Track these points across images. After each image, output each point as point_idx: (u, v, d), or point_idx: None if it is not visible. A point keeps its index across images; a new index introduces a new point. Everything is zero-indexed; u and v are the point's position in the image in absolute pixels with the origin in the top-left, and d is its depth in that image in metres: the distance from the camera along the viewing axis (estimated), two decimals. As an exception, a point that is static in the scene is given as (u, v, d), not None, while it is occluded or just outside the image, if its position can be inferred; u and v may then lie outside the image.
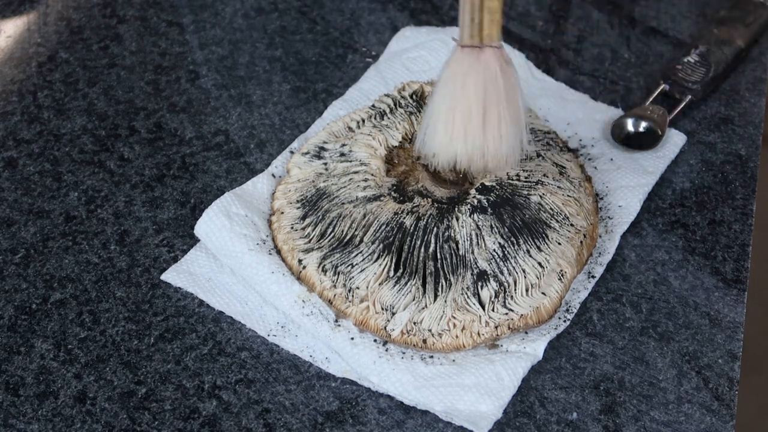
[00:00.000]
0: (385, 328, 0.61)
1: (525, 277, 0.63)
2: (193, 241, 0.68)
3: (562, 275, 0.64)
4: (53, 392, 0.59)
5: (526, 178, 0.67)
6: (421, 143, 0.61)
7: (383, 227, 0.64)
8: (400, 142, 0.70)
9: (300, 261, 0.64)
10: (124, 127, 0.77)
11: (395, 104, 0.73)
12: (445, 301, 0.61)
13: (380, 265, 0.62)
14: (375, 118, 0.72)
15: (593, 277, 0.66)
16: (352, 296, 0.62)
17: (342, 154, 0.70)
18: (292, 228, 0.66)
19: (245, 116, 0.78)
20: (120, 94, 0.79)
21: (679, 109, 0.78)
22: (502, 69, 0.57)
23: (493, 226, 0.63)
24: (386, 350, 0.61)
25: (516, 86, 0.58)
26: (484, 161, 0.59)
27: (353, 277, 0.62)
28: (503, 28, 0.87)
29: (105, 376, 0.60)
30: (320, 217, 0.66)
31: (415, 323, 0.61)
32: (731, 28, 0.83)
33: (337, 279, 0.63)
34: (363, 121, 0.73)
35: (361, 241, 0.64)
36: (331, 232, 0.65)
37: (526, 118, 0.60)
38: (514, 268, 0.63)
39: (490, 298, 0.62)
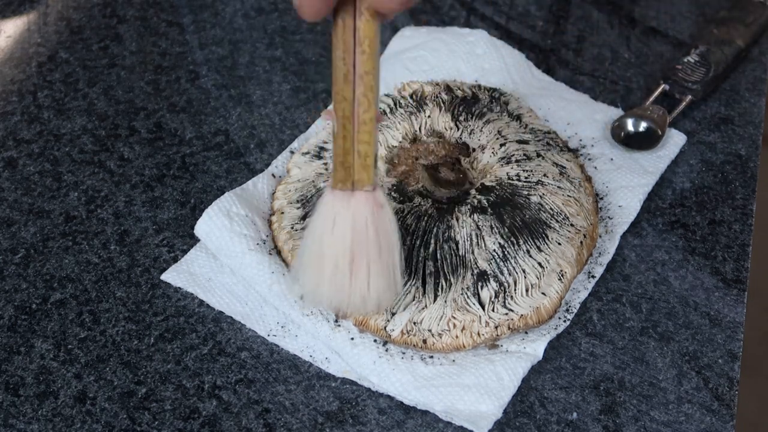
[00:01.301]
0: (385, 328, 0.61)
1: (525, 277, 0.63)
2: (193, 241, 0.68)
3: (562, 275, 0.64)
4: (53, 392, 0.59)
5: (526, 178, 0.67)
6: (293, 280, 0.59)
7: (383, 227, 0.64)
8: (400, 142, 0.70)
9: (300, 261, 0.64)
10: (124, 127, 0.77)
11: (395, 104, 0.73)
12: (445, 302, 0.61)
13: (380, 265, 0.62)
14: (375, 118, 0.72)
15: (593, 277, 0.66)
16: (352, 296, 0.62)
17: (342, 154, 0.69)
18: (292, 228, 0.66)
19: (245, 116, 0.78)
20: (120, 94, 0.79)
21: (679, 109, 0.78)
22: (373, 215, 0.55)
23: (493, 226, 0.63)
24: (386, 350, 0.61)
25: (391, 230, 0.56)
26: (350, 309, 0.57)
27: (353, 277, 0.62)
28: (503, 29, 0.87)
29: (105, 376, 0.60)
30: (320, 217, 0.66)
31: (415, 323, 0.61)
32: (731, 28, 0.83)
33: (337, 279, 0.63)
34: (363, 121, 0.72)
35: (361, 241, 0.64)
36: (331, 232, 0.65)
37: (400, 262, 0.57)
38: (514, 268, 0.63)
39: (490, 298, 0.62)
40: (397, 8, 0.49)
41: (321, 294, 0.56)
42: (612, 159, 0.74)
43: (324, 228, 0.55)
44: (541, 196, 0.66)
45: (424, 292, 0.62)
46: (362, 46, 0.50)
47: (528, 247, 0.63)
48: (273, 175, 0.71)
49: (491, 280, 0.62)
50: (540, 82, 0.81)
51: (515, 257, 0.63)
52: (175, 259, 0.67)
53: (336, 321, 0.62)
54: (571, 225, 0.66)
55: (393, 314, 0.61)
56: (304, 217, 0.66)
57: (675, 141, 0.76)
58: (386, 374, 0.60)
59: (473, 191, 0.66)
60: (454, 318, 0.61)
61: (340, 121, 0.52)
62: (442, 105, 0.72)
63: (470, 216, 0.64)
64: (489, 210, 0.64)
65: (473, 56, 0.81)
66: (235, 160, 0.74)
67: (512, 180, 0.66)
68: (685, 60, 0.80)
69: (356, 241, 0.54)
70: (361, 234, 0.54)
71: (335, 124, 0.53)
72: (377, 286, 0.56)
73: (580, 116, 0.78)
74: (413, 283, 0.62)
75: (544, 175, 0.68)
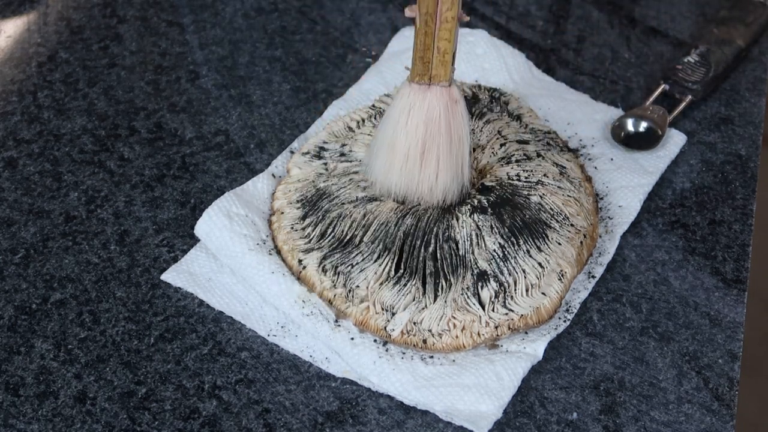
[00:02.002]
0: (385, 328, 0.61)
1: (525, 277, 0.63)
2: (193, 241, 0.68)
3: (562, 275, 0.64)
4: (53, 392, 0.59)
5: (526, 178, 0.67)
6: (366, 167, 0.63)
7: (383, 227, 0.64)
8: (400, 142, 0.70)
9: (300, 261, 0.64)
10: (124, 127, 0.77)
11: (395, 104, 0.73)
12: (445, 302, 0.61)
13: (380, 265, 0.62)
14: (375, 118, 0.72)
15: (593, 277, 0.66)
16: (352, 296, 0.62)
17: (342, 154, 0.70)
18: (292, 228, 0.66)
19: (245, 116, 0.78)
20: (120, 94, 0.79)
21: (679, 109, 0.78)
22: (447, 109, 0.58)
23: (493, 226, 0.63)
24: (386, 350, 0.61)
25: (463, 125, 0.59)
26: (418, 197, 0.61)
27: (353, 277, 0.62)
28: (503, 29, 0.87)
29: (105, 376, 0.60)
30: (320, 217, 0.66)
31: (415, 323, 0.61)
32: (731, 28, 0.83)
33: (337, 279, 0.63)
34: (363, 121, 0.73)
35: (361, 241, 0.64)
36: (331, 232, 0.65)
37: (469, 157, 0.61)
38: (514, 268, 0.63)
39: (490, 298, 0.62)
40: None
41: (390, 181, 0.60)
42: (612, 159, 0.74)
43: (398, 118, 0.58)
44: (541, 196, 0.66)
45: (424, 292, 0.62)
46: None
47: (528, 247, 0.63)
48: (273, 175, 0.71)
49: (491, 280, 0.62)
50: (540, 82, 0.81)
51: (515, 257, 0.63)
52: (175, 259, 0.67)
53: (336, 321, 0.62)
54: (571, 225, 0.66)
55: (393, 314, 0.61)
56: (304, 217, 0.66)
57: (675, 141, 0.76)
58: (386, 374, 0.60)
59: (473, 191, 0.66)
60: (454, 318, 0.61)
61: (423, 18, 0.56)
62: (442, 105, 0.72)
63: (470, 216, 0.64)
64: (489, 210, 0.64)
65: (473, 56, 0.81)
66: (235, 160, 0.74)
67: (512, 180, 0.66)
68: (685, 60, 0.80)
69: (429, 132, 0.58)
70: (434, 126, 0.58)
71: (418, 19, 0.56)
72: (445, 178, 0.60)
73: (580, 116, 0.78)
74: (413, 283, 0.62)
75: (544, 175, 0.68)
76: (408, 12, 0.57)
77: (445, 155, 0.59)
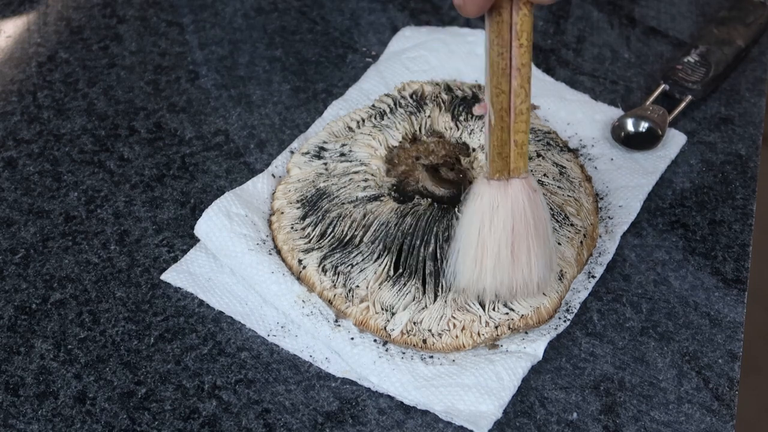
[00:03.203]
0: (384, 328, 0.61)
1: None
2: (193, 241, 0.68)
3: (562, 275, 0.64)
4: (53, 392, 0.59)
5: (526, 178, 0.67)
6: (451, 275, 0.60)
7: (383, 227, 0.64)
8: (400, 142, 0.70)
9: (300, 261, 0.64)
10: (124, 127, 0.77)
11: (395, 104, 0.73)
12: (445, 301, 0.61)
13: (380, 265, 0.62)
14: (375, 118, 0.72)
15: (593, 277, 0.66)
16: (352, 296, 0.62)
17: (342, 154, 0.70)
18: (292, 228, 0.66)
19: (245, 116, 0.78)
20: (120, 94, 0.79)
21: (679, 109, 0.78)
22: (530, 199, 0.56)
23: (493, 226, 0.63)
24: (386, 350, 0.61)
25: (543, 212, 0.57)
26: (512, 294, 0.59)
27: (353, 277, 0.62)
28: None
29: (105, 376, 0.60)
30: (320, 217, 0.66)
31: (415, 323, 0.61)
32: (731, 28, 0.83)
33: (337, 279, 0.63)
34: (363, 121, 0.73)
35: (361, 241, 0.64)
36: (331, 232, 0.65)
37: (553, 241, 0.60)
38: (514, 268, 0.62)
39: (490, 298, 0.62)
40: (554, 0, 0.51)
41: (483, 283, 0.58)
42: (612, 159, 0.74)
43: (483, 218, 0.57)
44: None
45: (424, 292, 0.62)
46: (520, 39, 0.52)
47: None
48: (273, 175, 0.71)
49: (491, 280, 0.62)
50: (540, 82, 0.81)
51: (515, 257, 0.63)
52: (175, 259, 0.67)
53: (336, 321, 0.62)
54: (571, 225, 0.66)
55: (393, 314, 0.61)
56: (304, 217, 0.66)
57: (675, 141, 0.76)
58: (386, 374, 0.60)
59: (473, 191, 0.66)
60: (454, 318, 0.61)
61: (498, 114, 0.54)
62: (442, 105, 0.72)
63: (470, 216, 0.64)
64: (489, 210, 0.64)
65: (473, 56, 0.81)
66: (235, 160, 0.74)
67: (512, 180, 0.66)
68: (685, 60, 0.80)
69: (517, 227, 0.56)
70: (521, 220, 0.56)
71: (492, 116, 0.54)
72: (538, 268, 0.58)
73: (580, 116, 0.78)
74: (413, 282, 0.62)
75: (544, 174, 0.68)
76: (477, 110, 0.55)
77: (535, 246, 0.57)
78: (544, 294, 0.62)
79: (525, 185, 0.56)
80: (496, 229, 0.56)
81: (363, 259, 0.63)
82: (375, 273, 0.62)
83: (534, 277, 0.58)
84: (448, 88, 0.75)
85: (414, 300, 0.62)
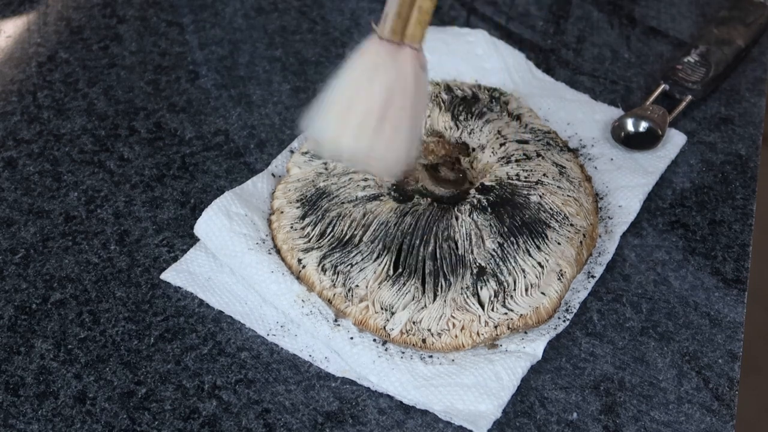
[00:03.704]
0: (384, 327, 0.61)
1: (524, 276, 0.63)
2: (193, 241, 0.68)
3: (562, 275, 0.64)
4: (53, 392, 0.59)
5: (526, 177, 0.67)
6: (310, 125, 0.56)
7: (383, 227, 0.64)
8: (400, 142, 0.70)
9: (299, 260, 0.64)
10: (124, 127, 0.77)
11: (395, 104, 0.73)
12: (445, 301, 0.61)
13: (380, 264, 0.62)
14: (375, 118, 0.72)
15: (593, 277, 0.66)
16: (352, 296, 0.62)
17: (342, 154, 0.70)
18: (291, 227, 0.66)
19: (245, 116, 0.78)
20: (120, 94, 0.79)
21: (679, 109, 0.78)
22: (416, 73, 0.53)
23: (493, 225, 0.63)
24: (385, 350, 0.61)
25: (424, 94, 0.54)
26: (366, 163, 0.55)
27: (352, 276, 0.62)
28: (503, 29, 0.87)
29: (105, 376, 0.60)
30: (320, 217, 0.66)
31: (414, 323, 0.61)
32: (731, 28, 0.83)
33: (337, 278, 0.63)
34: (363, 121, 0.72)
35: (361, 240, 0.64)
36: (330, 232, 0.65)
37: (422, 129, 0.55)
38: (513, 267, 0.62)
39: (490, 297, 0.62)
40: None
41: (341, 142, 0.54)
42: (612, 159, 0.74)
43: (362, 75, 0.53)
44: (540, 196, 0.66)
45: (424, 292, 0.62)
46: None
47: (527, 246, 0.63)
48: (273, 175, 0.71)
49: (491, 279, 0.62)
50: (540, 82, 0.81)
51: (515, 257, 0.63)
52: (175, 259, 0.67)
53: (335, 320, 0.62)
54: (571, 225, 0.66)
55: (392, 314, 0.61)
56: (303, 217, 0.66)
57: (675, 141, 0.76)
58: (385, 374, 0.60)
59: (473, 191, 0.66)
60: (454, 317, 0.61)
61: None
62: (442, 104, 0.72)
63: (470, 215, 0.64)
64: (488, 209, 0.64)
65: (473, 56, 0.81)
66: (235, 160, 0.74)
67: (512, 180, 0.66)
68: (685, 60, 0.80)
69: (394, 94, 0.52)
70: (399, 89, 0.52)
71: None
72: (398, 147, 0.54)
73: (580, 116, 0.78)
74: (412, 282, 0.62)
75: (544, 174, 0.68)
76: None
77: (404, 123, 0.53)
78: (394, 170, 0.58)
79: (415, 57, 0.53)
80: (371, 91, 0.53)
81: (362, 259, 0.63)
82: (374, 272, 0.62)
83: (390, 154, 0.54)
84: (448, 88, 0.75)
85: (413, 299, 0.62)
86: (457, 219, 0.64)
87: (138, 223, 0.69)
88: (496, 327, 0.61)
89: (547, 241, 0.64)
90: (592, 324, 0.64)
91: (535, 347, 0.61)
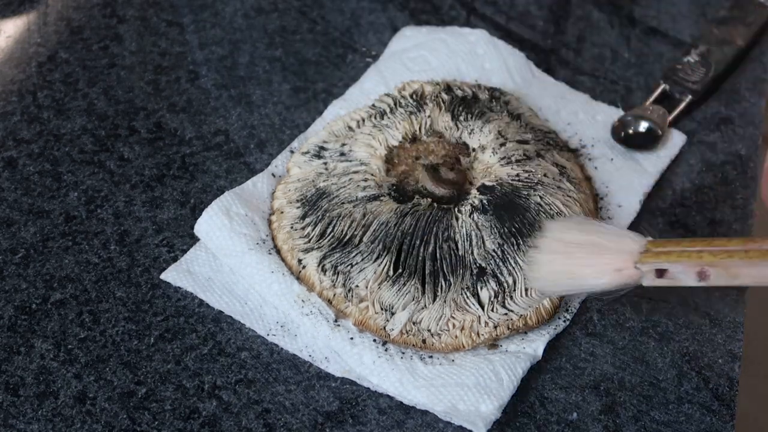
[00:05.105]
0: (384, 328, 0.61)
1: (524, 277, 0.62)
2: (193, 241, 0.68)
3: (562, 275, 0.64)
4: (53, 392, 0.59)
5: (526, 178, 0.67)
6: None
7: (383, 227, 0.64)
8: (400, 141, 0.70)
9: (300, 260, 0.64)
10: (124, 127, 0.77)
11: (395, 104, 0.73)
12: (445, 301, 0.61)
13: (380, 264, 0.62)
14: (375, 118, 0.72)
15: (593, 277, 0.66)
16: (352, 296, 0.62)
17: (342, 154, 0.70)
18: (291, 227, 0.66)
19: (245, 116, 0.78)
20: (120, 94, 0.79)
21: (679, 109, 0.78)
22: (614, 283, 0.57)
23: (493, 226, 0.63)
24: (385, 350, 0.61)
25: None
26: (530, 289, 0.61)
27: (353, 276, 0.62)
28: (503, 29, 0.87)
29: (105, 376, 0.60)
30: (320, 217, 0.66)
31: (414, 323, 0.61)
32: (731, 28, 0.83)
33: (337, 279, 0.63)
34: (363, 120, 0.73)
35: (361, 240, 0.64)
36: (330, 232, 0.65)
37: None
38: (513, 268, 0.62)
39: (490, 298, 0.62)
40: None
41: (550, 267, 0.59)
42: (612, 159, 0.74)
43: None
44: (541, 197, 0.66)
45: (424, 292, 0.62)
46: None
47: (528, 247, 0.63)
48: (273, 175, 0.71)
49: (491, 280, 0.62)
50: (540, 82, 0.81)
51: (515, 257, 0.63)
52: (175, 259, 0.67)
53: (335, 321, 0.62)
54: (571, 225, 0.66)
55: (392, 314, 0.61)
56: (303, 217, 0.66)
57: (675, 141, 0.76)
58: (385, 374, 0.60)
59: (473, 191, 0.66)
60: (454, 318, 0.61)
61: None
62: (442, 104, 0.72)
63: (470, 216, 0.64)
64: (489, 210, 0.64)
65: (473, 56, 0.81)
66: (235, 160, 0.74)
67: (512, 180, 0.66)
68: (685, 60, 0.80)
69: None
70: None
71: None
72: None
73: (580, 116, 0.78)
74: (412, 282, 0.62)
75: (544, 175, 0.68)
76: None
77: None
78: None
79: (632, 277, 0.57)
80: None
81: (363, 259, 0.63)
82: (374, 273, 0.62)
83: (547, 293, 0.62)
84: (448, 88, 0.75)
85: (413, 300, 0.62)
86: (457, 219, 0.64)
87: (138, 223, 0.69)
88: (496, 327, 0.61)
89: (547, 241, 0.64)
90: (592, 324, 0.64)
91: (535, 347, 0.61)
